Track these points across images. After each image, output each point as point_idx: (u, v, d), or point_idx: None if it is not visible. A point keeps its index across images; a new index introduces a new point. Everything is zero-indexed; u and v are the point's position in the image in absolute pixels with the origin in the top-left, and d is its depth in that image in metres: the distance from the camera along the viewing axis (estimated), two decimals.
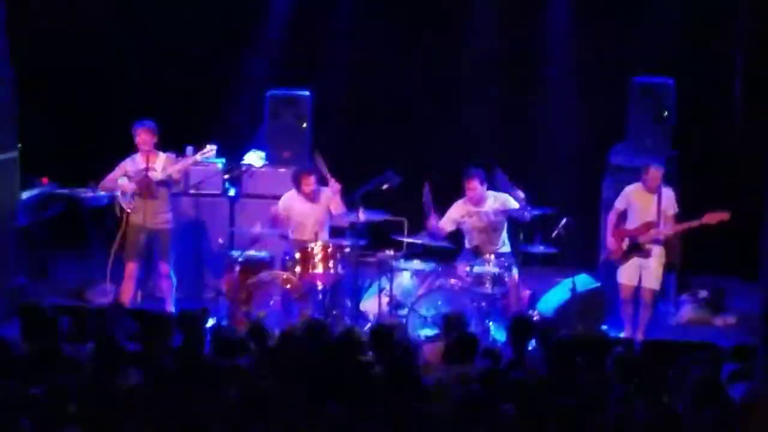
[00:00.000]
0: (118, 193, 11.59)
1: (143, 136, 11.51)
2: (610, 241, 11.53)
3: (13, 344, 7.97)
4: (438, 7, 14.12)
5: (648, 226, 11.36)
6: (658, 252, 11.37)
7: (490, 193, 11.64)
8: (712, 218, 11.14)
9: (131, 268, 11.55)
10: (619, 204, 11.55)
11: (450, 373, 8.12)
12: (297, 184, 11.70)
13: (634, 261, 11.39)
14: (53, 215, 12.98)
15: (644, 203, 11.41)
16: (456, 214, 11.67)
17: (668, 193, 11.45)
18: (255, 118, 13.21)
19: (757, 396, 6.95)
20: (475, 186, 11.53)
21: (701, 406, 7.03)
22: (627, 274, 11.43)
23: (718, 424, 6.86)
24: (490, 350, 8.74)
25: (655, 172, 11.35)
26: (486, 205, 11.59)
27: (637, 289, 11.44)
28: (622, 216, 11.53)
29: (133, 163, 11.58)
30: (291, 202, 11.75)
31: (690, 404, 7.12)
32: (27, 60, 12.43)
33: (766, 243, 10.67)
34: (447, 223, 11.66)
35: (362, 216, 11.23)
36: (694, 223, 11.29)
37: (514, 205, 11.49)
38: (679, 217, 11.43)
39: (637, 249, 11.36)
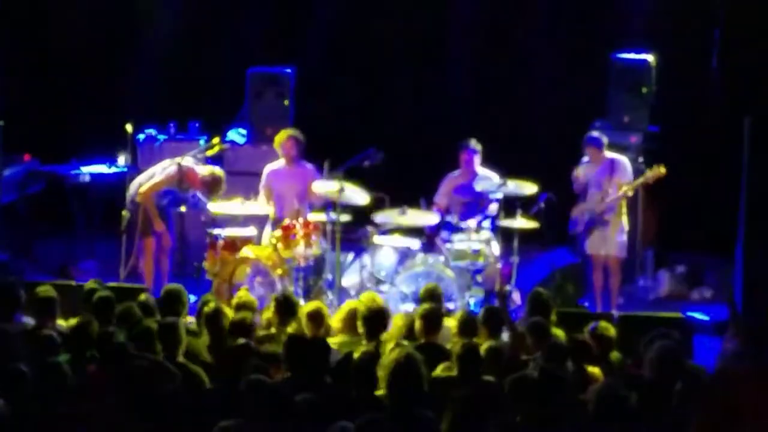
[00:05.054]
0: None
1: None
2: (575, 212, 11.76)
3: None
4: None
5: (601, 196, 11.55)
6: (615, 220, 11.56)
7: (481, 169, 11.79)
8: (650, 176, 11.43)
9: (150, 242, 11.48)
10: (578, 174, 11.75)
11: None
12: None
13: (597, 232, 11.59)
14: (35, 192, 13.00)
15: (594, 177, 11.64)
16: (448, 187, 11.85)
17: (620, 161, 11.66)
18: (236, 96, 13.24)
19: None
20: (471, 158, 11.69)
21: (666, 376, 7.18)
22: (593, 245, 11.65)
23: (681, 395, 6.99)
24: None
25: (591, 150, 11.60)
26: (477, 180, 11.73)
27: (605, 259, 11.65)
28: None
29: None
30: (273, 174, 11.80)
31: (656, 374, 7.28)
32: (7, 36, 12.44)
33: (742, 219, 10.88)
34: (442, 198, 11.84)
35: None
36: (637, 183, 11.59)
37: (497, 182, 11.62)
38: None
39: (595, 220, 11.56)
